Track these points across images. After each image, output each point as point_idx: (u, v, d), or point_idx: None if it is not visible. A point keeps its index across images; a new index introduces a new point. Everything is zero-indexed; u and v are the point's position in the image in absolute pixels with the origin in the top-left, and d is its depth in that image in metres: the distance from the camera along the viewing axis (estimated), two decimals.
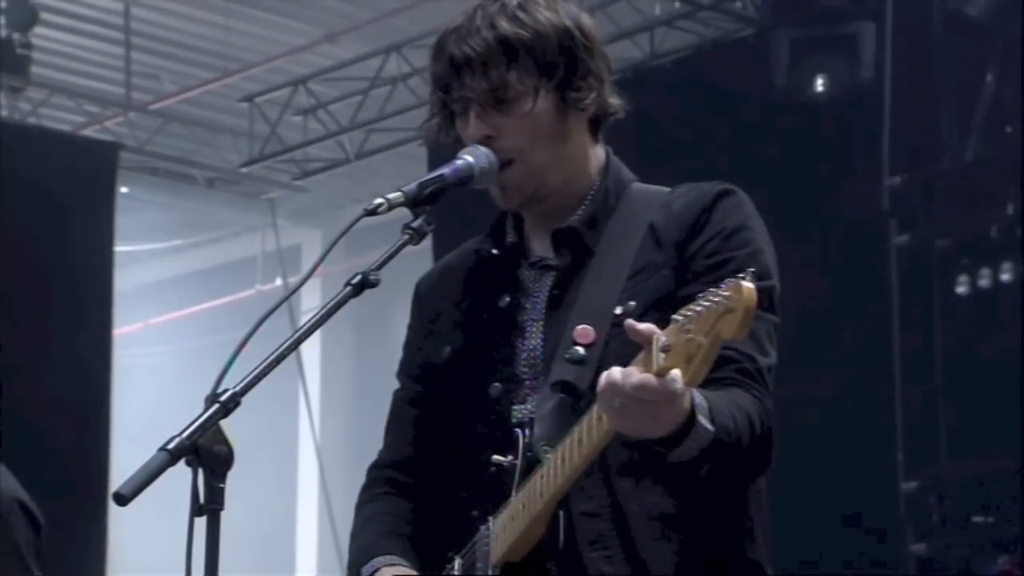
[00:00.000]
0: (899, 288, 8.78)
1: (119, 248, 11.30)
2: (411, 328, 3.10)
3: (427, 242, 2.88)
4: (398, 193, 2.76)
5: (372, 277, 2.66)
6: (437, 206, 2.79)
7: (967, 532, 8.39)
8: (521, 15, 2.86)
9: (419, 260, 3.16)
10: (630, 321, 2.53)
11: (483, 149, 2.85)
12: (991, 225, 8.54)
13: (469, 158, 2.84)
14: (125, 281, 12.56)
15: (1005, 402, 8.14)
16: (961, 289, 8.53)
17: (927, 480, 8.52)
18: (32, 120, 11.72)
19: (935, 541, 8.48)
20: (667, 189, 2.96)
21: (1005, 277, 8.38)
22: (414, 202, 2.76)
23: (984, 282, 8.45)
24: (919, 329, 8.67)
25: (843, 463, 8.69)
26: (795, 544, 8.58)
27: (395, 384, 3.11)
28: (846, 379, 8.71)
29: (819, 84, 9.07)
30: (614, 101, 2.95)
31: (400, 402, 3.08)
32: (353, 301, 2.67)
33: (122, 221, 11.17)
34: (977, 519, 8.38)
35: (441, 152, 3.02)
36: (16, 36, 10.65)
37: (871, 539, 8.67)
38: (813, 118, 9.12)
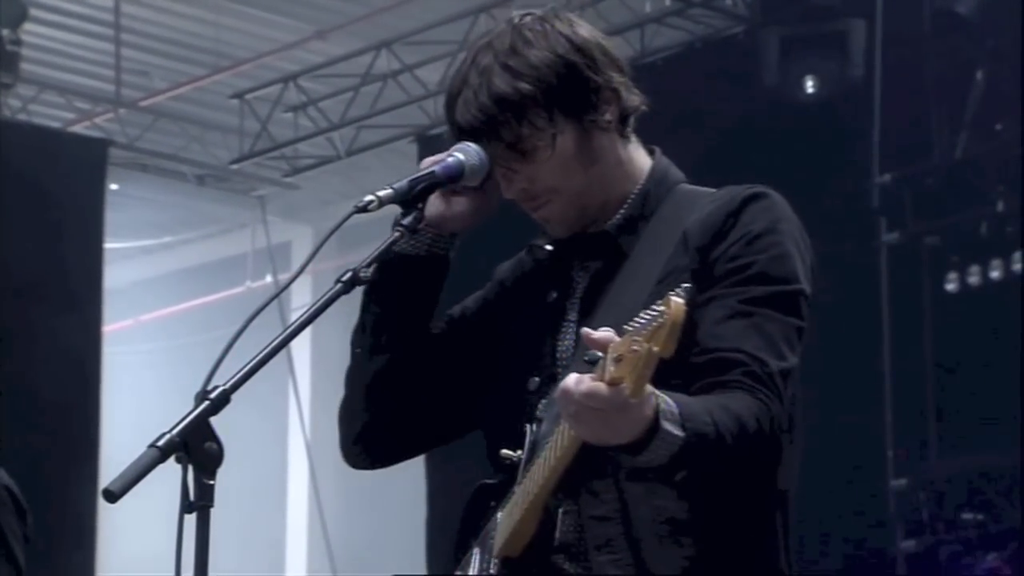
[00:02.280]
0: (889, 286, 8.79)
1: (109, 245, 11.29)
2: (475, 296, 3.07)
3: None
4: (389, 190, 2.75)
5: (363, 274, 2.66)
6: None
7: (957, 529, 8.40)
8: (514, 63, 2.79)
9: None
10: (586, 329, 2.51)
11: (473, 146, 2.84)
12: (981, 222, 8.56)
13: (460, 155, 2.83)
14: (115, 278, 12.54)
15: (995, 400, 8.15)
16: (951, 286, 8.54)
17: (917, 477, 8.53)
18: (22, 116, 11.69)
19: (925, 538, 8.49)
20: (712, 191, 2.91)
21: (995, 274, 8.39)
22: (405, 199, 2.76)
23: (974, 279, 8.46)
24: (909, 326, 8.69)
25: (833, 460, 8.69)
26: None
27: None
28: (835, 376, 8.71)
29: (809, 86, 9.07)
30: (635, 99, 2.90)
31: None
32: (344, 298, 2.67)
33: (112, 218, 11.16)
34: (967, 516, 8.39)
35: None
36: (6, 32, 10.63)
37: (861, 536, 8.68)
38: (803, 115, 9.12)
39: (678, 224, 2.84)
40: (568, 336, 2.89)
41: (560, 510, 2.75)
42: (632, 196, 2.90)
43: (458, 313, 3.04)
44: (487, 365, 2.97)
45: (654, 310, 2.42)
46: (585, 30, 2.87)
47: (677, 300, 2.40)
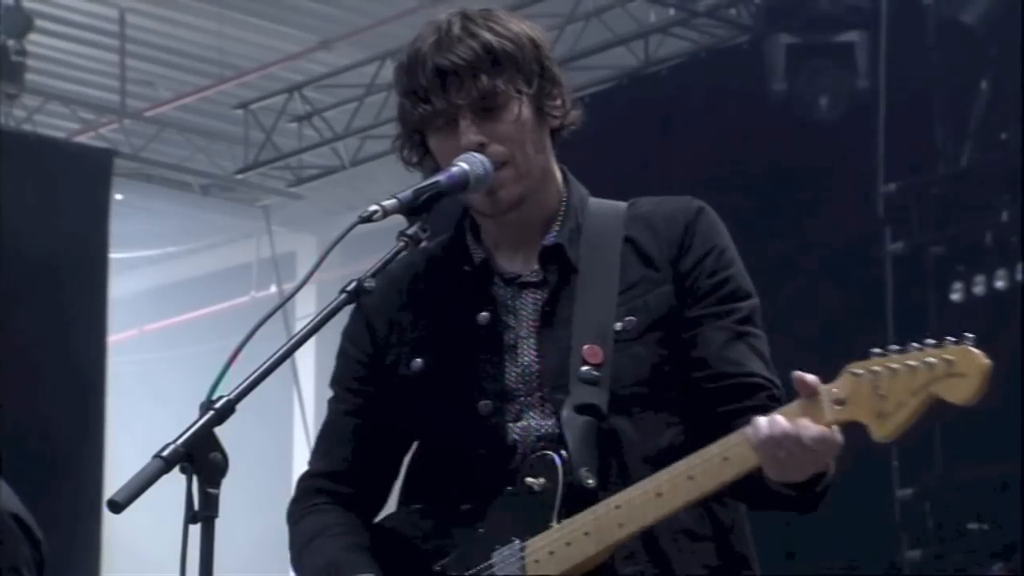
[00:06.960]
0: (894, 295, 8.78)
1: (114, 255, 11.30)
2: (350, 338, 3.10)
3: None
4: (393, 200, 2.75)
5: (367, 284, 2.66)
6: (432, 213, 2.78)
7: (962, 539, 8.39)
8: (496, 26, 2.89)
9: None
10: (798, 373, 2.59)
11: (478, 156, 2.85)
12: (986, 232, 8.54)
13: (464, 165, 2.83)
14: (120, 288, 12.55)
15: (1000, 409, 8.14)
16: (956, 296, 8.53)
17: (922, 487, 8.52)
18: (27, 127, 11.71)
19: (930, 548, 8.47)
20: (624, 204, 2.98)
21: (1000, 284, 8.38)
22: (409, 209, 2.76)
23: (979, 289, 8.44)
24: (914, 336, 8.66)
25: (838, 470, 8.68)
26: (790, 551, 8.57)
27: None
28: None
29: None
30: (575, 113, 2.98)
31: (337, 413, 3.10)
32: (348, 308, 2.67)
33: (117, 228, 11.16)
34: (972, 526, 8.38)
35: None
36: (11, 43, 10.66)
37: (866, 546, 8.66)
38: (808, 125, 9.12)
39: (612, 235, 2.91)
40: (527, 355, 2.89)
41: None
42: (562, 208, 2.96)
43: (358, 373, 3.08)
44: (412, 396, 2.96)
45: (929, 358, 2.52)
46: (544, 35, 3.00)
47: (979, 352, 2.52)
